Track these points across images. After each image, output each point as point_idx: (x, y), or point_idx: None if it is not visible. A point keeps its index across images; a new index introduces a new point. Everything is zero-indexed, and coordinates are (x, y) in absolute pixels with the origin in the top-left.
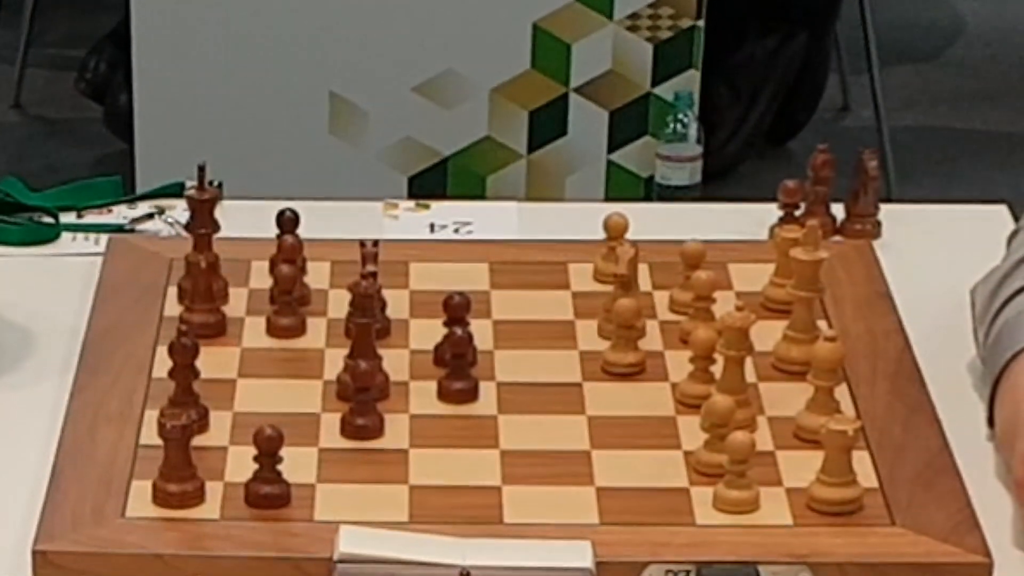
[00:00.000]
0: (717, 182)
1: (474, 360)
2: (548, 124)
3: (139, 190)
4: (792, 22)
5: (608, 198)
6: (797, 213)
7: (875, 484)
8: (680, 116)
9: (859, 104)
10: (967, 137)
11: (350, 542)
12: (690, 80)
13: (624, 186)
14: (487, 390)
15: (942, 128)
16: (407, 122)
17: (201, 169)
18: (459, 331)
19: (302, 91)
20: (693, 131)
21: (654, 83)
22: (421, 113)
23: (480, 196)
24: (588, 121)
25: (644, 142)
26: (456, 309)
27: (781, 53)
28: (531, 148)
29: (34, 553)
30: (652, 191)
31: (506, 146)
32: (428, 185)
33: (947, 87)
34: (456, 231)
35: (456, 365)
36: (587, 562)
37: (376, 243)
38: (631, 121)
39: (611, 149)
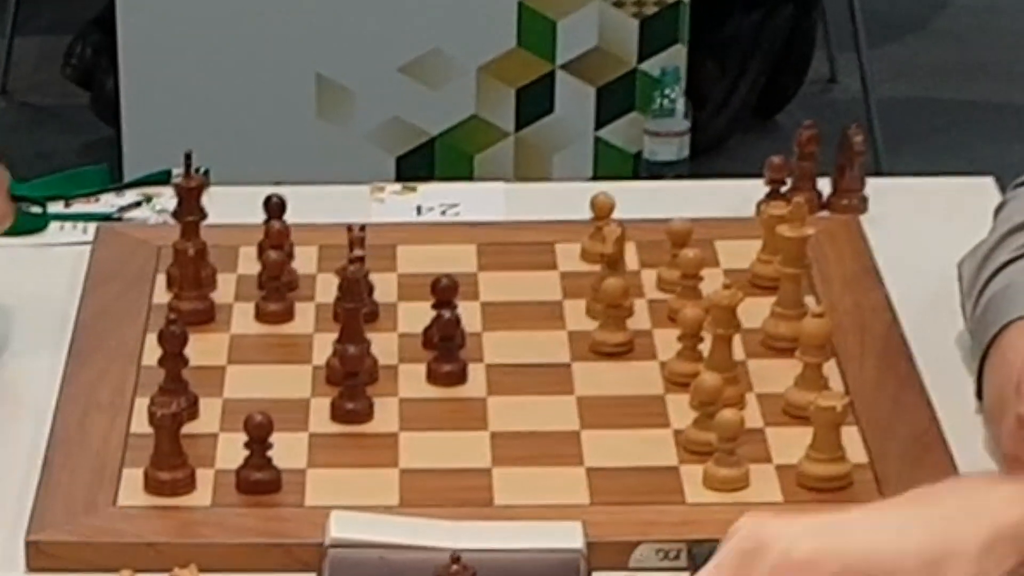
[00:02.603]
0: (705, 157)
1: (463, 342)
2: (535, 101)
3: (127, 174)
4: None
5: (596, 174)
6: (783, 189)
7: (865, 459)
8: (667, 92)
9: (846, 76)
10: (954, 108)
11: (341, 527)
12: (677, 55)
13: (612, 162)
14: (476, 372)
15: (929, 99)
16: (394, 102)
17: (187, 157)
18: (447, 314)
19: (288, 73)
20: (680, 106)
21: (640, 59)
22: (408, 93)
23: (468, 175)
24: (575, 98)
25: (631, 118)
26: (444, 292)
27: (767, 26)
28: (518, 126)
29: (27, 543)
30: (640, 167)
31: (493, 124)
32: (416, 165)
33: (934, 58)
34: (443, 213)
35: (444, 348)
36: (578, 543)
37: (363, 227)
38: (618, 97)
39: (598, 126)
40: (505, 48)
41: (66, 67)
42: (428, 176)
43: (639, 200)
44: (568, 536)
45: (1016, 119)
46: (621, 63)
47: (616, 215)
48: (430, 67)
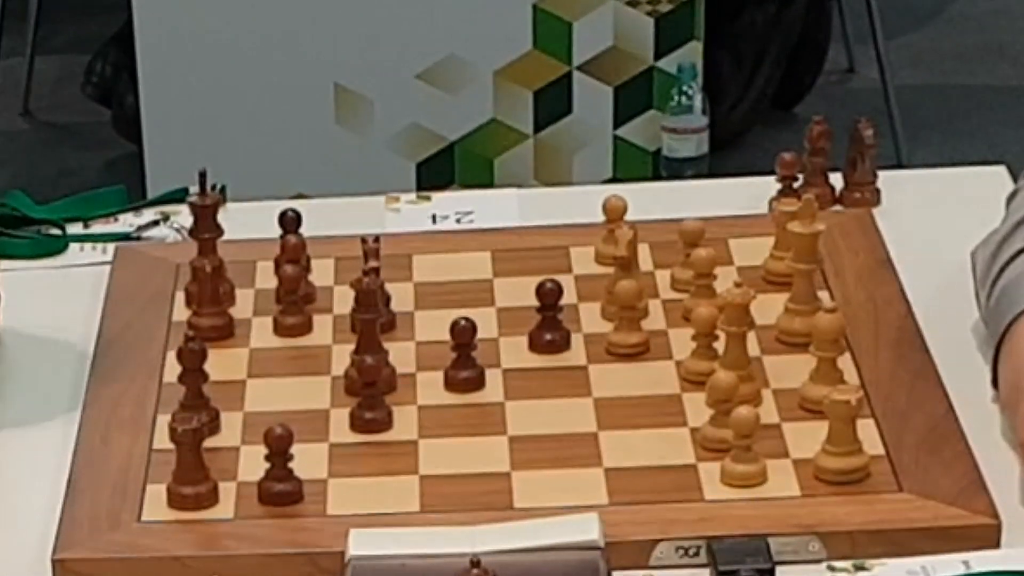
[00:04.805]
0: (724, 151)
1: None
2: (553, 103)
3: (150, 189)
4: None
5: (616, 174)
6: (795, 185)
7: (881, 451)
8: (684, 88)
9: (864, 65)
10: (973, 93)
11: (360, 544)
12: (693, 52)
13: (631, 161)
14: (493, 377)
15: (948, 85)
16: (412, 109)
17: (202, 175)
18: (463, 321)
19: (307, 84)
20: (698, 102)
21: (657, 57)
22: (426, 100)
23: (488, 179)
24: (593, 98)
25: (650, 116)
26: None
27: (782, 18)
28: (537, 128)
29: (54, 562)
30: (660, 164)
31: (512, 127)
32: (436, 171)
33: (952, 44)
34: (458, 221)
35: (461, 354)
36: (595, 534)
37: (377, 239)
38: (635, 96)
39: (617, 125)
40: (521, 51)
41: (86, 85)
42: (448, 181)
43: (654, 200)
44: (585, 528)
45: None
46: (637, 62)
47: (631, 216)
48: (447, 73)
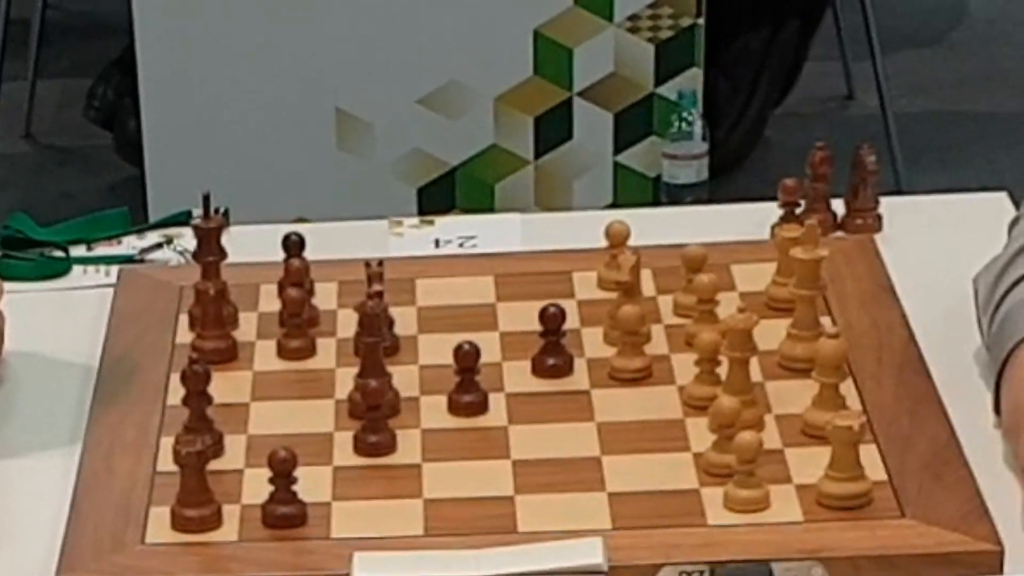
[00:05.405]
0: (724, 177)
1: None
2: (553, 129)
3: (152, 213)
4: (783, 11)
5: (616, 200)
6: (797, 211)
7: (884, 477)
8: (684, 114)
9: (863, 92)
10: (973, 120)
11: (364, 568)
12: (693, 78)
13: (632, 187)
14: (496, 401)
15: (948, 112)
16: (414, 134)
17: (206, 198)
18: (466, 345)
19: (309, 109)
20: (698, 128)
21: (657, 83)
22: (427, 125)
23: (489, 204)
24: (593, 124)
25: (650, 142)
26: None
27: (776, 41)
28: (538, 154)
29: None
30: (660, 191)
31: (513, 153)
32: (437, 196)
33: (952, 70)
34: (461, 245)
35: (465, 378)
36: (598, 558)
37: (381, 263)
38: (636, 122)
39: (617, 151)
40: (522, 77)
41: (88, 109)
42: (449, 206)
43: (655, 226)
44: (588, 552)
45: None
46: (638, 88)
47: (633, 241)
48: (448, 98)
